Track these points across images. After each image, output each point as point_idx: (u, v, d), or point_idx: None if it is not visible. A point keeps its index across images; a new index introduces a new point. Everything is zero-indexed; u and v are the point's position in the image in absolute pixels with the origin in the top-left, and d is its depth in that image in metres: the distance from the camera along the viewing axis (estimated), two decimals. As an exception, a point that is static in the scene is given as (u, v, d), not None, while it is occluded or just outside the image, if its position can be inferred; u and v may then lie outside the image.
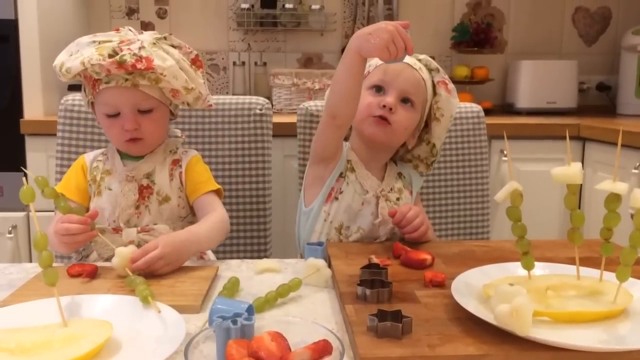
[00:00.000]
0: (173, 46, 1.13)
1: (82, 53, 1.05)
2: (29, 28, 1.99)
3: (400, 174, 1.27)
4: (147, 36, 1.09)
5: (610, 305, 0.74)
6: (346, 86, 1.08)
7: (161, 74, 1.06)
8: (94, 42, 1.06)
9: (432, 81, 1.23)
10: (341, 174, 1.20)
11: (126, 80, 1.06)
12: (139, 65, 1.03)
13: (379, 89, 1.18)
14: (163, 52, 1.08)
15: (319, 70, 2.38)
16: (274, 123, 1.49)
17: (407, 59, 1.18)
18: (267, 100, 1.46)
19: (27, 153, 1.99)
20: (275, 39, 2.65)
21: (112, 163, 1.16)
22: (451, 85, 1.24)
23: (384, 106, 1.15)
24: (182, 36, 1.22)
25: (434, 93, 1.23)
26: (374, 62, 1.22)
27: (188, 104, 1.16)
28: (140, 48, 1.05)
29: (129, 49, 1.04)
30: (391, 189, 1.22)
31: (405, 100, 1.18)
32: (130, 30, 1.11)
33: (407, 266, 0.96)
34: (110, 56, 1.02)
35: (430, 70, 1.23)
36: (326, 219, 1.19)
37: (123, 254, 0.93)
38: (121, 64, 1.02)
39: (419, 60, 1.22)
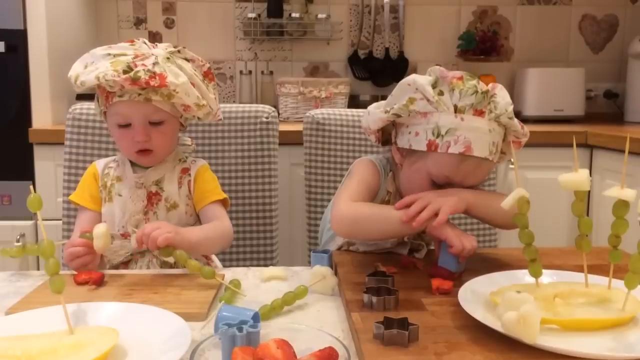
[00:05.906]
0: (186, 59, 1.14)
1: (96, 66, 1.05)
2: (37, 38, 2.01)
3: None
4: (161, 50, 1.10)
5: (618, 312, 0.73)
6: (377, 237, 1.05)
7: (174, 90, 1.06)
8: (109, 54, 1.07)
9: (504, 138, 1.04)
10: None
11: (139, 94, 1.07)
12: (152, 82, 1.04)
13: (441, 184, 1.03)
14: (176, 67, 1.08)
15: (325, 79, 2.40)
16: (280, 131, 1.49)
17: (483, 145, 0.98)
18: (273, 109, 1.47)
19: (35, 162, 2.00)
20: (281, 48, 2.67)
21: (123, 170, 1.18)
22: (524, 140, 1.06)
23: None
24: (190, 46, 1.23)
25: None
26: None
27: (198, 118, 1.17)
28: (154, 64, 1.05)
29: (143, 64, 1.05)
30: None
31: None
32: (144, 43, 1.11)
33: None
34: (125, 72, 1.03)
35: (505, 128, 1.03)
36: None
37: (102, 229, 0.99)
38: (135, 80, 1.03)
39: (499, 122, 0.99)
